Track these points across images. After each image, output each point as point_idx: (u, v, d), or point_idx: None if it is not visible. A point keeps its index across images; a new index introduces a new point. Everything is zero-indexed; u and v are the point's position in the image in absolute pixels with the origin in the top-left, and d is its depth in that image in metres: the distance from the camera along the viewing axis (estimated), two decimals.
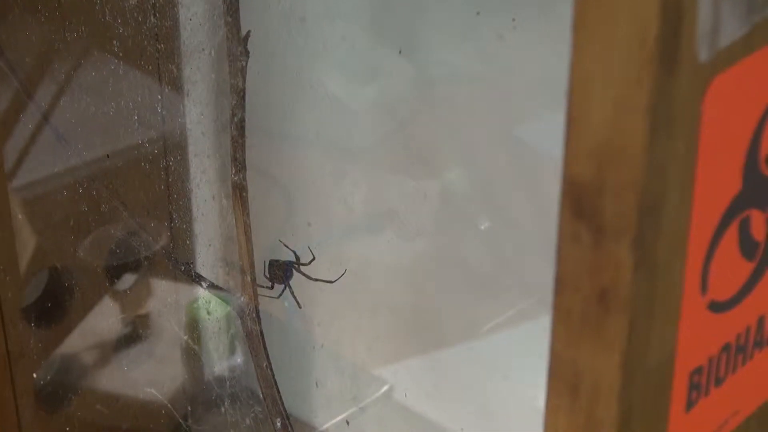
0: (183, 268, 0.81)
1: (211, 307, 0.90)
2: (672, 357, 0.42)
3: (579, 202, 0.38)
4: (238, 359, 0.92)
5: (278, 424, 0.74)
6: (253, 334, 0.74)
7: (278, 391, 0.75)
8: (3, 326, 0.77)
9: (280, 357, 0.81)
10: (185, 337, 0.90)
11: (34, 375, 0.80)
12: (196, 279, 0.79)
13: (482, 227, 0.74)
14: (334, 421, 0.87)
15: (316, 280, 0.75)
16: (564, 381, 0.41)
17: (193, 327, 0.90)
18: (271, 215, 0.84)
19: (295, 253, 0.75)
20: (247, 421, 0.86)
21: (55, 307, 0.82)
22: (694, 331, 0.42)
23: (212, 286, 0.78)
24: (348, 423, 0.86)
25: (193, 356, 0.91)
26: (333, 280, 0.75)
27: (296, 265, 0.75)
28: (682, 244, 0.40)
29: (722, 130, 0.39)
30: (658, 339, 0.41)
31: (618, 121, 0.36)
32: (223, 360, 0.92)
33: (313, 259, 0.75)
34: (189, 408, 0.91)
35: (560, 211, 0.39)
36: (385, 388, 0.83)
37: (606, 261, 0.38)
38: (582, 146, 0.38)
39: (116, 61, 0.77)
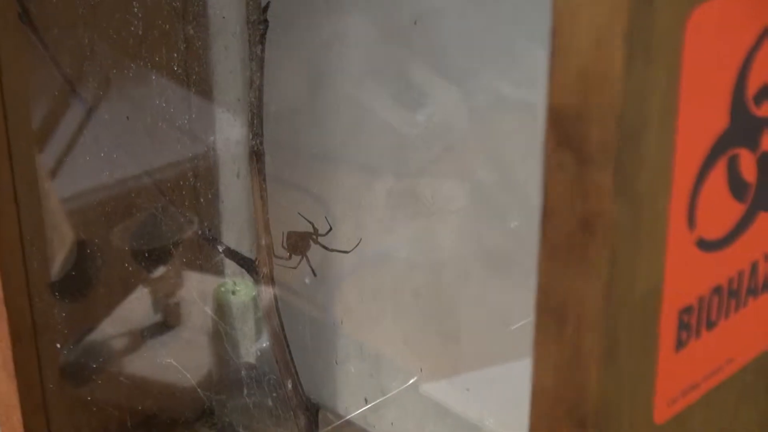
0: (200, 231, 0.82)
1: (237, 290, 0.91)
2: (659, 291, 0.42)
3: (563, 131, 0.39)
4: (264, 344, 0.92)
5: (289, 386, 0.74)
6: (265, 296, 0.75)
7: (290, 354, 0.76)
8: (29, 298, 0.77)
9: (301, 336, 0.81)
10: (210, 319, 0.91)
11: (58, 345, 0.82)
12: (213, 242, 0.80)
13: (512, 226, 0.74)
14: (353, 401, 0.88)
15: (333, 250, 0.76)
16: (551, 313, 0.42)
17: (219, 310, 0.91)
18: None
19: (312, 224, 0.76)
20: (269, 402, 0.87)
21: (81, 281, 0.83)
22: (682, 267, 0.43)
23: (228, 251, 0.79)
24: (366, 401, 0.86)
25: (217, 338, 0.92)
26: (349, 250, 0.76)
27: (314, 236, 0.75)
28: (666, 176, 0.40)
29: (706, 62, 0.40)
30: (644, 270, 0.41)
31: (599, 47, 0.37)
32: (247, 343, 0.93)
33: (330, 229, 0.75)
34: (212, 386, 0.92)
35: (545, 141, 0.40)
36: (409, 375, 0.84)
37: (589, 188, 0.39)
38: (566, 74, 0.38)
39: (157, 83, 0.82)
